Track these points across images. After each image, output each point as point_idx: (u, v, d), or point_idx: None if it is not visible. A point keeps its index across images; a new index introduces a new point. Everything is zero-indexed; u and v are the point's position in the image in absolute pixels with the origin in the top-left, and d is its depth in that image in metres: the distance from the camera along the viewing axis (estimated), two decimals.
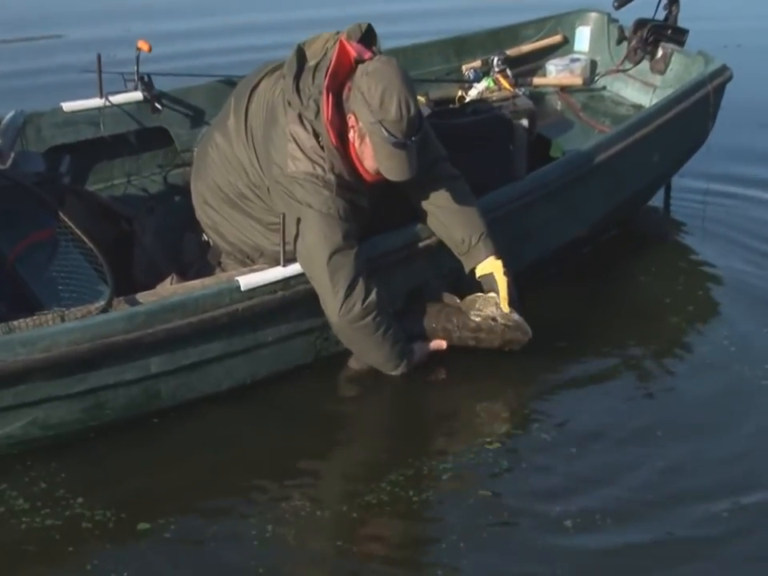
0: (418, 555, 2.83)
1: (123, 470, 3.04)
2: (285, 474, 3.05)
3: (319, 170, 3.14)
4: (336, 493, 3.04)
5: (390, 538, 2.87)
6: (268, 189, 3.27)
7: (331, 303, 3.15)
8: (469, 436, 3.24)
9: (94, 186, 3.93)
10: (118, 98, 3.93)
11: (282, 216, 3.13)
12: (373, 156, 3.13)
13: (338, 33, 3.22)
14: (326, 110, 3.10)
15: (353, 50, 3.13)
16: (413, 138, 3.08)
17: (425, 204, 3.36)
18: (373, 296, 3.16)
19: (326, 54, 3.17)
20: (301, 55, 3.21)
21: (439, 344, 3.39)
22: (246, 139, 3.33)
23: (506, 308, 3.31)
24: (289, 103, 3.17)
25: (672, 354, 3.64)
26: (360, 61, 3.13)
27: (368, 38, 3.24)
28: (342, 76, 3.13)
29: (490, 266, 3.34)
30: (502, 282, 3.32)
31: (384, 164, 3.12)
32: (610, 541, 2.79)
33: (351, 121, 3.13)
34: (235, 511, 2.91)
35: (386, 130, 3.05)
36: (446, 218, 3.35)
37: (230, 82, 4.05)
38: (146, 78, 3.97)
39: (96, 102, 3.90)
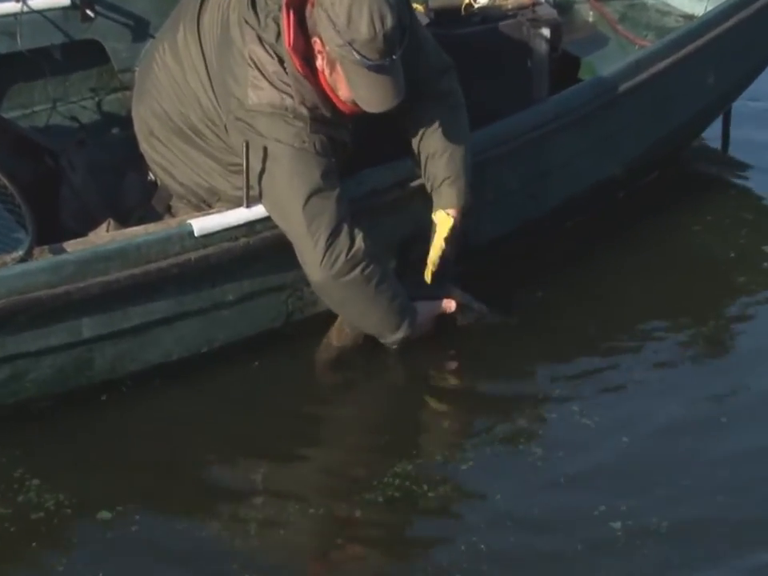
0: (434, 557, 2.90)
1: (79, 449, 3.15)
2: (259, 464, 3.14)
3: (288, 101, 3.18)
4: (330, 488, 3.12)
5: (401, 539, 2.97)
6: (225, 126, 3.31)
7: (310, 256, 3.20)
8: (487, 422, 3.32)
9: (9, 112, 3.96)
10: (38, 2, 3.93)
11: (244, 145, 3.17)
12: (347, 86, 3.16)
13: None
14: (288, 33, 3.13)
15: None
16: (393, 57, 3.10)
17: (406, 124, 3.41)
18: (359, 242, 3.21)
19: None
20: None
21: (447, 303, 3.46)
22: (198, 62, 3.36)
23: (427, 276, 3.41)
24: (245, 20, 3.21)
25: (741, 327, 3.73)
26: None
27: None
28: None
29: (439, 222, 3.42)
30: (436, 245, 3.40)
31: (361, 94, 3.15)
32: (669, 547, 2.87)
33: (317, 46, 3.16)
34: (204, 503, 3.01)
35: (358, 52, 3.06)
36: (422, 146, 3.42)
37: None
38: None
39: (10, 6, 3.89)
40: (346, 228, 3.20)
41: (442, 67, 3.44)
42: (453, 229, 3.39)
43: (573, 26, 4.51)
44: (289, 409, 3.33)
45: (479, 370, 3.50)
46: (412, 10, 3.37)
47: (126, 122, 3.97)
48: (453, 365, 3.53)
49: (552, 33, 3.96)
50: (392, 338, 3.37)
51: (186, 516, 2.98)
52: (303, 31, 3.16)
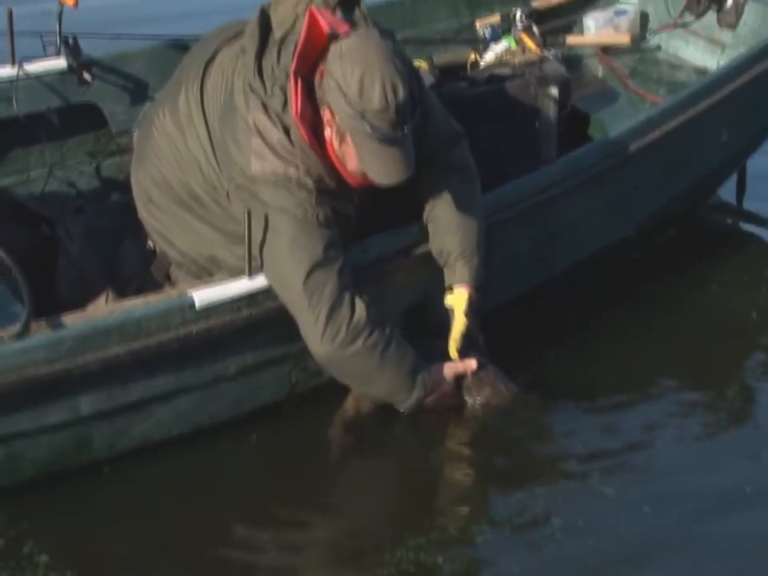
0: None
1: (83, 523, 3.23)
2: (264, 536, 3.23)
3: (291, 170, 3.24)
4: (340, 562, 3.20)
5: None
6: (227, 193, 3.40)
7: (312, 330, 3.27)
8: (503, 493, 3.39)
9: (5, 178, 4.08)
10: (35, 66, 4.05)
11: (245, 213, 3.23)
12: (357, 158, 3.23)
13: None
14: (295, 102, 3.20)
15: (324, 22, 3.20)
16: (404, 129, 3.17)
17: (418, 196, 3.50)
18: (360, 312, 3.28)
19: (295, 23, 3.27)
20: (264, 23, 3.31)
21: (467, 363, 3.50)
22: (200, 128, 3.44)
23: (453, 353, 3.48)
24: (250, 87, 3.28)
25: (763, 390, 3.82)
26: (334, 36, 3.20)
27: (348, 4, 3.34)
28: (312, 55, 3.21)
29: (455, 299, 3.51)
30: (458, 321, 3.49)
31: (371, 166, 3.21)
32: None
33: (326, 116, 3.23)
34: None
35: (370, 123, 3.12)
36: (433, 218, 3.50)
37: (180, 46, 4.21)
38: (71, 41, 4.10)
39: (7, 71, 4.02)
40: (347, 299, 3.26)
41: (452, 136, 3.52)
42: (470, 304, 3.47)
43: (582, 81, 4.65)
44: (297, 478, 3.40)
45: (494, 438, 3.55)
46: (421, 81, 3.45)
47: (124, 187, 4.07)
48: (467, 433, 3.59)
49: (560, 91, 4.06)
50: (407, 402, 3.42)
51: None
52: (311, 100, 3.22)
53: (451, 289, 3.53)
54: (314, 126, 3.24)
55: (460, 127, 3.55)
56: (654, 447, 3.54)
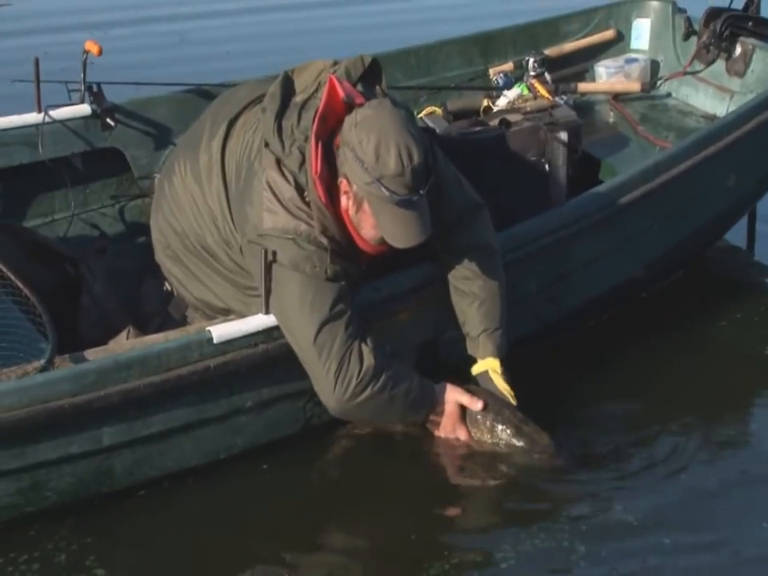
0: None
1: (144, 540, 3.42)
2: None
3: (302, 227, 3.36)
4: None
5: None
6: (240, 249, 3.53)
7: (322, 384, 3.40)
8: (527, 519, 3.47)
9: (30, 220, 4.26)
10: (60, 113, 4.24)
11: (261, 256, 3.35)
12: (374, 224, 3.34)
13: (335, 63, 3.49)
14: (315, 162, 3.31)
15: (342, 91, 3.35)
16: (420, 192, 3.27)
17: (443, 269, 3.66)
18: (368, 360, 3.38)
19: (317, 89, 3.43)
20: (287, 86, 3.47)
21: (473, 402, 3.61)
22: (218, 185, 3.59)
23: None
24: (266, 144, 3.42)
25: None
26: (349, 103, 3.35)
27: (372, 75, 3.50)
28: (332, 121, 3.35)
29: (486, 365, 3.66)
30: (503, 387, 3.64)
31: (388, 230, 3.32)
32: None
33: (344, 186, 3.34)
34: None
35: (386, 188, 3.24)
36: (455, 291, 3.65)
37: (200, 92, 4.43)
38: (95, 88, 4.28)
39: (33, 117, 4.21)
40: (355, 351, 3.37)
41: (471, 206, 3.63)
42: (503, 365, 3.65)
43: (593, 127, 4.80)
44: (311, 510, 3.53)
45: (513, 466, 3.64)
46: (437, 153, 3.54)
47: (145, 229, 4.24)
48: (486, 459, 3.67)
49: (570, 136, 4.22)
50: (417, 420, 3.60)
51: None
52: (329, 165, 3.33)
53: (475, 360, 3.68)
54: (330, 190, 3.36)
55: (481, 199, 3.66)
56: (671, 479, 3.61)
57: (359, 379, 3.37)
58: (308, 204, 3.36)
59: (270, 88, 3.49)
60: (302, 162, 3.35)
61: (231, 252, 3.59)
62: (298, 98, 3.43)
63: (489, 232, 3.67)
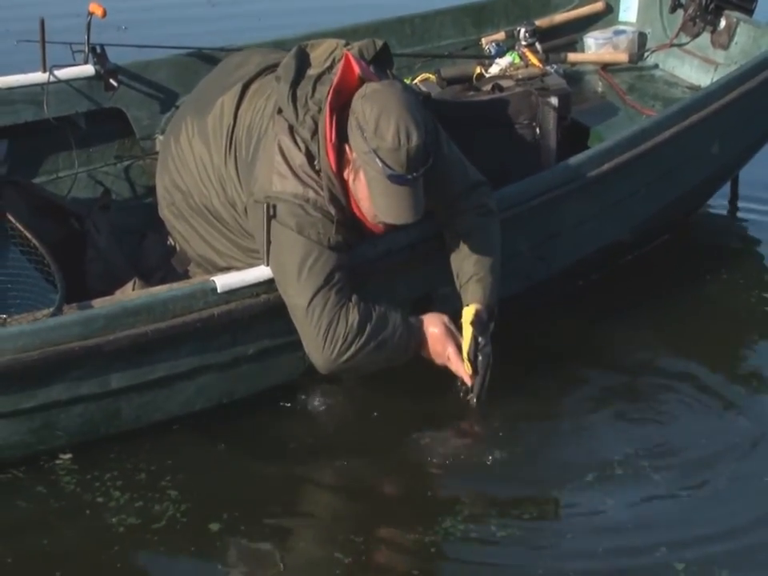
0: None
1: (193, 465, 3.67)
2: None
3: (311, 193, 3.51)
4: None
5: None
6: (245, 209, 3.68)
7: (312, 343, 3.55)
8: (522, 487, 3.63)
9: (36, 177, 4.41)
10: (64, 73, 4.37)
11: (264, 213, 3.50)
12: (368, 196, 3.46)
13: (347, 43, 3.66)
14: (329, 131, 3.44)
15: (358, 67, 3.51)
16: (414, 174, 3.39)
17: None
18: (352, 316, 3.52)
19: (331, 65, 3.58)
20: (301, 59, 3.62)
21: (457, 364, 3.73)
22: (228, 148, 3.73)
23: (467, 365, 3.71)
24: (280, 111, 3.57)
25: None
26: (363, 81, 3.47)
27: (382, 59, 3.66)
28: (345, 95, 3.47)
29: (464, 313, 3.75)
30: (465, 332, 3.71)
31: (379, 203, 3.44)
32: None
33: (348, 153, 3.47)
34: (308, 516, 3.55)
35: (381, 160, 3.36)
36: (452, 247, 3.79)
37: (201, 56, 4.58)
38: (98, 49, 4.41)
39: (38, 76, 4.34)
40: (343, 311, 3.51)
41: (471, 185, 3.78)
42: (477, 316, 3.70)
43: (582, 96, 4.97)
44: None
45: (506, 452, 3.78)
46: (440, 135, 3.70)
47: (146, 187, 4.47)
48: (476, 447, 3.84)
49: (560, 102, 4.37)
50: (407, 357, 3.71)
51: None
52: (340, 136, 3.46)
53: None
54: (340, 161, 3.49)
55: (482, 177, 3.81)
56: (648, 454, 3.75)
57: (345, 338, 3.51)
58: (317, 173, 3.50)
59: (285, 59, 3.64)
60: (315, 131, 3.49)
61: (236, 213, 3.74)
62: (312, 71, 3.58)
63: (488, 200, 3.80)
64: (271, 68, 3.79)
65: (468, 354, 3.69)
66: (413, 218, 3.46)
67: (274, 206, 3.52)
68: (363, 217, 3.58)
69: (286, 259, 3.53)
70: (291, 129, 3.53)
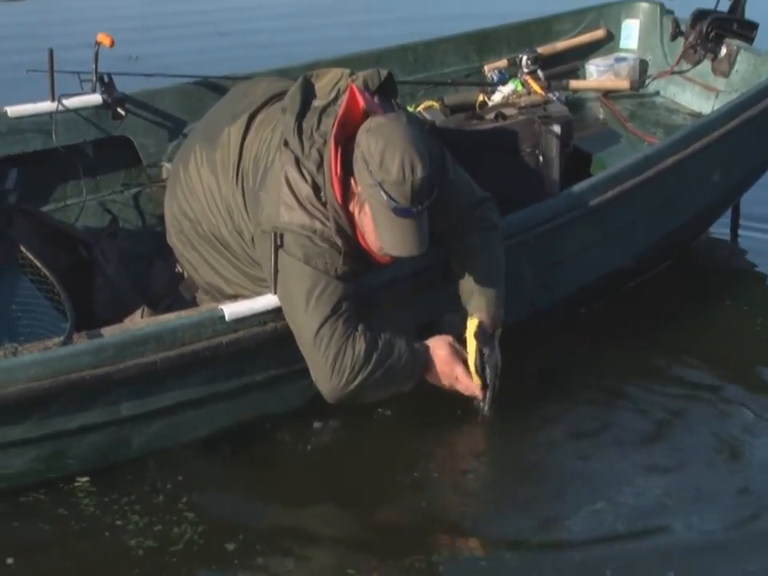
0: None
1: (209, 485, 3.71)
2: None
3: (318, 225, 3.55)
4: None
5: None
6: (252, 238, 3.71)
7: (320, 374, 3.58)
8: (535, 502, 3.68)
9: (45, 205, 4.46)
10: (72, 102, 4.44)
11: (272, 243, 3.54)
12: (373, 230, 3.49)
13: (352, 73, 3.70)
14: (334, 165, 3.48)
15: (362, 100, 3.54)
16: (419, 206, 3.42)
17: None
18: (359, 346, 3.56)
19: (336, 97, 3.63)
20: (306, 90, 3.67)
21: (465, 382, 3.76)
22: (235, 178, 3.77)
23: (476, 380, 3.75)
24: (286, 143, 3.60)
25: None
26: (368, 114, 3.50)
27: (386, 88, 3.70)
28: (350, 127, 3.50)
29: (468, 326, 3.78)
30: (469, 345, 3.75)
31: (385, 236, 3.47)
32: None
33: (353, 186, 3.51)
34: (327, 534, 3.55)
35: (387, 193, 3.39)
36: (455, 262, 3.83)
37: (208, 84, 4.65)
38: (106, 78, 4.48)
39: (47, 105, 4.41)
40: (350, 341, 3.55)
41: (475, 203, 3.83)
42: (479, 327, 3.72)
43: (584, 123, 5.03)
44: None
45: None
46: (446, 160, 3.75)
47: (153, 214, 4.53)
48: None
49: (563, 129, 4.42)
50: (412, 381, 3.73)
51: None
52: (345, 169, 3.49)
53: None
54: (346, 194, 3.54)
55: (485, 193, 3.86)
56: (649, 481, 3.77)
57: (352, 367, 3.55)
58: (324, 204, 3.54)
59: (290, 89, 3.68)
60: (320, 164, 3.53)
61: (243, 242, 3.78)
62: (318, 103, 3.62)
63: (492, 215, 3.85)
64: (277, 96, 3.83)
65: (475, 367, 3.73)
66: (418, 251, 3.50)
67: (282, 236, 3.56)
68: (369, 249, 3.61)
69: (293, 289, 3.57)
70: (297, 161, 3.57)
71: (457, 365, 3.74)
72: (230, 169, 3.79)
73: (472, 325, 3.76)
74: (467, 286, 3.80)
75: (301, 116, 3.59)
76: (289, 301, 3.60)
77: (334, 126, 3.50)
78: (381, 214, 3.45)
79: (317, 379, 3.61)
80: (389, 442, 3.90)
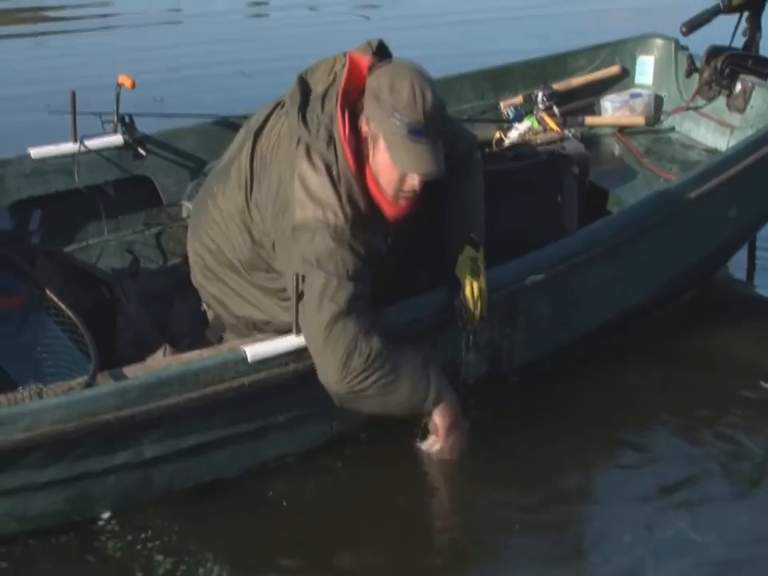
0: None
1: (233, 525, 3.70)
2: None
3: (330, 215, 3.57)
4: None
5: None
6: (273, 244, 3.73)
7: (330, 371, 3.59)
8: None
9: (67, 245, 4.52)
10: (94, 143, 4.51)
11: (294, 277, 3.57)
12: (389, 160, 3.53)
13: (344, 54, 3.72)
14: (342, 128, 3.53)
15: (365, 59, 3.63)
16: (433, 128, 3.50)
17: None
18: (372, 346, 3.56)
19: (335, 78, 3.68)
20: (303, 86, 3.71)
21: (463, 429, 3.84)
22: (248, 192, 3.80)
23: (477, 314, 3.83)
24: (298, 140, 3.64)
25: None
26: (373, 67, 3.61)
27: (381, 54, 3.74)
28: (355, 94, 3.59)
29: (459, 262, 3.83)
30: (463, 279, 3.83)
31: (402, 158, 3.51)
32: None
33: (364, 127, 3.57)
34: None
35: (399, 117, 3.48)
36: (450, 199, 3.89)
37: (226, 123, 4.70)
38: (127, 119, 4.55)
39: (69, 147, 4.48)
40: (362, 339, 3.56)
41: (473, 145, 4.02)
42: (476, 260, 3.84)
43: (600, 159, 5.07)
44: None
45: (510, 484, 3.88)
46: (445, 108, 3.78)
47: (174, 254, 4.57)
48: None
49: (580, 167, 4.46)
50: (429, 398, 3.71)
51: None
52: (354, 133, 3.57)
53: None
54: (358, 158, 3.58)
55: (474, 135, 4.09)
56: (671, 521, 3.77)
57: (362, 368, 3.56)
58: (335, 185, 3.57)
59: (288, 91, 3.73)
60: (329, 140, 3.58)
61: (265, 253, 3.78)
62: (318, 90, 3.67)
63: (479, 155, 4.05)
64: (277, 107, 3.85)
65: (471, 299, 3.81)
66: (435, 169, 3.55)
67: (303, 277, 3.58)
68: (387, 204, 3.64)
69: (306, 289, 3.59)
70: (308, 149, 3.61)
71: (463, 426, 3.82)
72: (242, 186, 3.81)
73: (467, 254, 3.83)
74: (462, 218, 3.89)
75: (303, 107, 3.65)
76: (302, 300, 3.62)
77: (338, 98, 3.58)
78: (396, 140, 3.52)
79: (325, 376, 3.61)
80: (386, 483, 3.91)
